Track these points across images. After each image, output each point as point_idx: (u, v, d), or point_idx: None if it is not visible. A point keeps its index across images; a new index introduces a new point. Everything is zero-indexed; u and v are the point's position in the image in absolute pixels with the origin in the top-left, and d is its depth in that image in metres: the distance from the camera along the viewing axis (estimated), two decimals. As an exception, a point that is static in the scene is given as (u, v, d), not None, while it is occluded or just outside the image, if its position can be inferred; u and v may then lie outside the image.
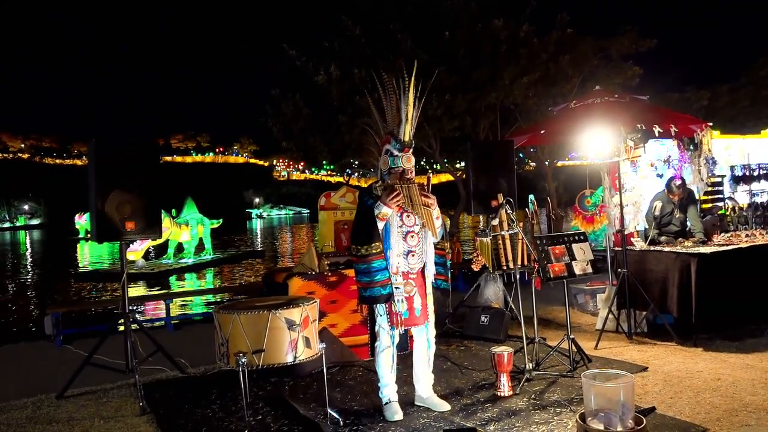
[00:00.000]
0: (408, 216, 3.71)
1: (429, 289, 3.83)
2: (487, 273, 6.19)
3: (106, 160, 4.57)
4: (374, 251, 3.60)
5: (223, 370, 4.49)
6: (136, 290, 13.71)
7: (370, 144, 4.03)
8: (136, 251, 16.15)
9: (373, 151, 4.02)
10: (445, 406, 3.82)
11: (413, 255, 3.72)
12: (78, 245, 34.70)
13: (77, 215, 36.22)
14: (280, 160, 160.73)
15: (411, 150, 3.76)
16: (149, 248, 17.58)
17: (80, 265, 23.34)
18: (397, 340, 3.76)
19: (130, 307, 4.83)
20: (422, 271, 3.79)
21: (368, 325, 5.12)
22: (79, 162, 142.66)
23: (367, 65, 10.20)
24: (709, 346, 5.03)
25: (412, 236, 3.72)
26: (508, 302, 6.16)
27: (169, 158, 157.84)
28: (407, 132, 3.72)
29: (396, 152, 3.69)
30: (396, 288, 3.65)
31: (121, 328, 4.80)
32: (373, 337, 4.41)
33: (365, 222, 3.64)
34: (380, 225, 3.62)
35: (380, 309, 3.70)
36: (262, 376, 4.62)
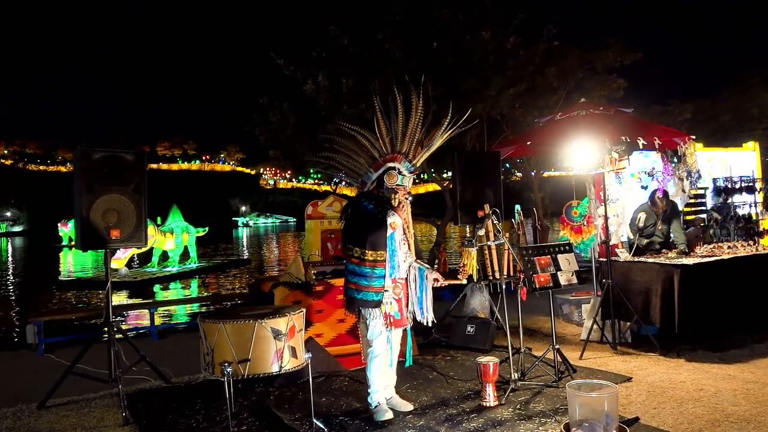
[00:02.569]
0: (400, 227, 3.92)
1: (410, 294, 3.98)
2: (474, 283, 6.21)
3: (91, 168, 4.54)
4: (380, 258, 3.76)
5: (207, 379, 4.45)
6: (120, 299, 13.58)
7: (351, 150, 4.04)
8: (120, 259, 16.00)
9: (353, 158, 4.05)
10: (408, 406, 3.99)
11: (404, 261, 3.93)
12: (61, 253, 34.27)
13: (60, 222, 35.79)
14: (267, 169, 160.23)
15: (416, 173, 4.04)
16: (133, 256, 17.40)
17: (63, 273, 23.05)
18: (391, 343, 3.90)
19: (114, 316, 4.78)
20: (405, 276, 3.97)
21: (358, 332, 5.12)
22: (63, 169, 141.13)
23: (356, 75, 10.23)
24: (692, 357, 5.09)
25: (404, 244, 3.93)
26: (494, 312, 6.19)
27: (155, 165, 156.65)
28: (422, 159, 4.00)
29: (407, 173, 3.90)
30: (386, 291, 3.78)
31: (105, 337, 4.74)
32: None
33: (376, 228, 3.75)
34: (389, 232, 3.78)
35: (374, 313, 3.78)
36: (248, 385, 4.59)
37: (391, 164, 3.88)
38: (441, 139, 3.97)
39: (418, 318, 3.96)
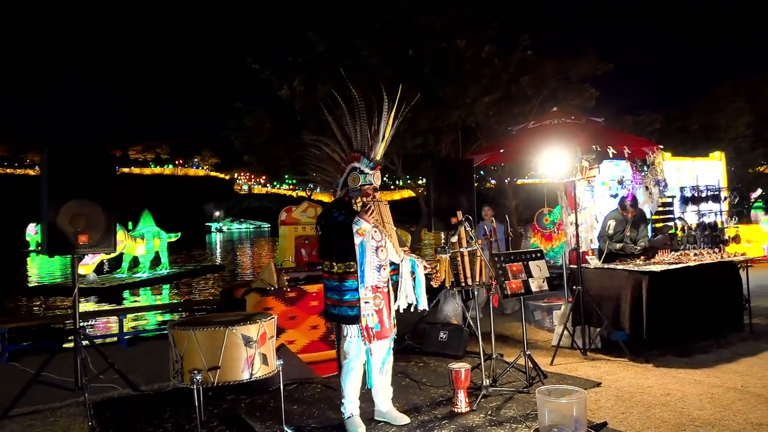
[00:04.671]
0: (377, 231, 3.79)
1: (392, 303, 3.89)
2: (446, 289, 6.24)
3: (59, 171, 4.46)
4: (349, 270, 3.66)
5: (177, 387, 4.38)
6: (88, 305, 13.30)
7: (320, 160, 4.05)
8: (87, 265, 15.66)
9: (324, 168, 4.05)
10: (404, 419, 3.88)
11: (383, 269, 3.81)
12: (28, 258, 33.48)
13: (28, 227, 35.04)
14: (242, 174, 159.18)
15: (380, 168, 3.89)
16: (103, 262, 17.05)
17: (30, 278, 22.50)
18: (364, 356, 3.78)
19: (81, 323, 4.69)
20: (387, 284, 3.87)
21: (336, 340, 5.08)
22: (31, 172, 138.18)
23: (332, 81, 10.24)
24: (660, 362, 5.18)
25: (382, 251, 3.81)
26: (466, 318, 6.22)
27: (126, 169, 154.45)
28: (380, 151, 3.84)
29: (367, 170, 3.78)
30: (366, 302, 3.68)
31: (71, 344, 4.64)
32: (339, 352, 4.41)
33: (341, 238, 3.65)
34: (357, 240, 3.64)
35: (350, 329, 3.69)
36: (219, 393, 4.53)
37: (351, 165, 3.81)
38: (390, 125, 3.83)
39: (406, 304, 3.90)
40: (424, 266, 3.99)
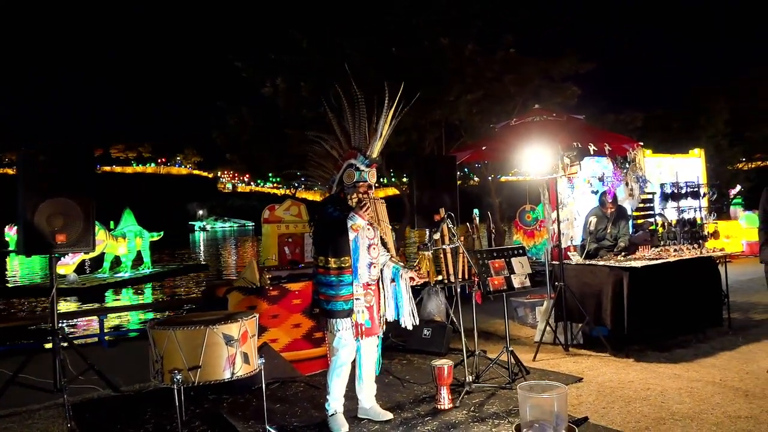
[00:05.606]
0: (370, 229, 3.79)
1: (382, 300, 3.88)
2: (430, 286, 6.25)
3: (36, 169, 4.40)
4: (344, 265, 3.66)
5: (159, 387, 4.34)
6: (68, 306, 13.13)
7: (320, 156, 4.04)
8: (67, 265, 15.43)
9: (322, 164, 4.05)
10: (387, 415, 3.90)
11: (374, 266, 3.81)
12: (7, 258, 32.96)
13: (7, 227, 34.49)
14: (225, 172, 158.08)
15: (375, 166, 3.88)
16: (85, 262, 16.82)
17: (9, 278, 22.17)
18: (354, 353, 3.78)
19: (60, 323, 4.62)
20: (378, 282, 3.87)
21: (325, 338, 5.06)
22: (10, 171, 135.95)
23: (317, 79, 10.21)
24: (641, 357, 5.23)
25: (374, 248, 3.81)
26: (449, 315, 6.24)
27: (108, 168, 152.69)
28: (377, 149, 3.85)
29: (363, 167, 3.78)
30: (357, 299, 3.68)
31: (50, 345, 4.57)
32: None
33: (336, 233, 3.65)
34: (351, 236, 3.65)
35: (343, 323, 3.67)
36: (201, 393, 4.50)
37: (347, 161, 3.81)
38: (387, 123, 3.82)
39: (390, 318, 3.86)
40: (411, 277, 3.91)
